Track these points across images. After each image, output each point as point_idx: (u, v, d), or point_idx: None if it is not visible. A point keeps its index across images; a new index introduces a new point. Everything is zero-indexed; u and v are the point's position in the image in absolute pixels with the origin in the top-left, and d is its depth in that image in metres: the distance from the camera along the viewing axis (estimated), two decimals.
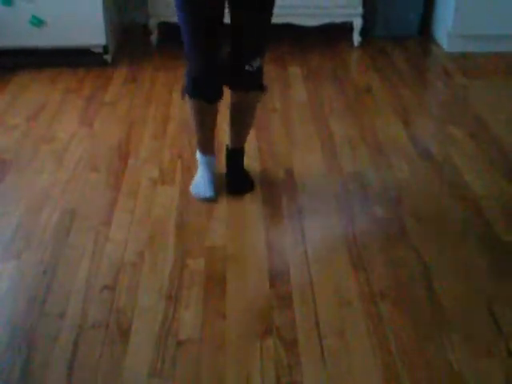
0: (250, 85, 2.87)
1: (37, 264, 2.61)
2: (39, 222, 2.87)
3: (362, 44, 4.84)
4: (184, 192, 3.07)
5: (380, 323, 2.31)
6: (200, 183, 3.07)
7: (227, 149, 3.18)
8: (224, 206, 2.97)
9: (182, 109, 3.87)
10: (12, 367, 2.15)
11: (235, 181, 3.12)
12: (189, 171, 3.23)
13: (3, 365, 2.16)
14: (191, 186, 3.09)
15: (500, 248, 2.71)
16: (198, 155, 3.13)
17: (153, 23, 4.78)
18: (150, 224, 2.86)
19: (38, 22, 4.24)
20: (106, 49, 4.42)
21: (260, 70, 2.82)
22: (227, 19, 2.72)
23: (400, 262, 2.62)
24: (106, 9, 4.31)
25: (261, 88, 2.90)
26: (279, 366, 2.15)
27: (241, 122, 3.07)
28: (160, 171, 3.23)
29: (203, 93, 2.83)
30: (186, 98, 2.91)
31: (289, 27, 4.70)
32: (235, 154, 3.16)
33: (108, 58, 4.46)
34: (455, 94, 4.14)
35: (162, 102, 3.99)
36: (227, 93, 2.92)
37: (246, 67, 2.77)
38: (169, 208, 2.96)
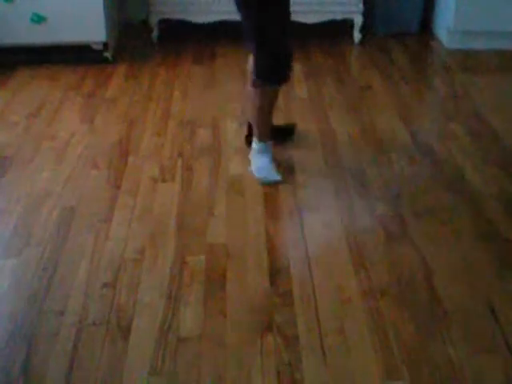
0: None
1: (37, 261, 2.61)
2: (39, 219, 2.87)
3: (362, 41, 4.84)
4: (184, 189, 3.06)
5: (380, 320, 2.31)
6: (267, 168, 3.14)
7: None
8: (224, 203, 2.97)
9: (183, 105, 3.88)
10: (12, 364, 2.15)
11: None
12: (189, 169, 3.23)
13: (4, 362, 2.16)
14: (255, 171, 3.15)
15: (500, 245, 2.71)
16: (261, 144, 3.16)
17: (153, 20, 4.78)
18: (150, 221, 2.86)
19: (38, 19, 4.24)
20: (106, 46, 4.42)
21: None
22: None
23: (400, 259, 2.62)
24: (106, 6, 4.31)
25: None
26: (280, 363, 2.15)
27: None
28: (160, 168, 3.23)
29: (286, 75, 2.98)
30: (261, 87, 2.98)
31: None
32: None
33: (108, 55, 4.46)
34: (455, 90, 4.13)
35: (163, 98, 3.99)
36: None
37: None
38: (169, 205, 2.96)
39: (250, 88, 3.05)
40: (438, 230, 2.80)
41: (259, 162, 3.17)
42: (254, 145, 3.19)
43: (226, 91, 3.98)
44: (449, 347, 2.20)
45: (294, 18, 4.60)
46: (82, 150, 3.41)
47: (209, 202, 2.97)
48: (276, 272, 2.55)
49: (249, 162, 3.21)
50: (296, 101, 3.95)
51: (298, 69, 4.37)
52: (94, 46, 4.41)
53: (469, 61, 4.50)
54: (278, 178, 3.12)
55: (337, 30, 4.99)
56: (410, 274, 2.54)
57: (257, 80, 2.95)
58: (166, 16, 4.75)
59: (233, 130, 3.59)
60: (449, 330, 2.27)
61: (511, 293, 2.45)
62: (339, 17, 4.78)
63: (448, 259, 2.63)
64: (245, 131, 3.40)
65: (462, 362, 2.14)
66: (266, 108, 3.08)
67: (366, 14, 4.80)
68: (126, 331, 2.28)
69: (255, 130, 3.17)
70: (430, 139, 3.52)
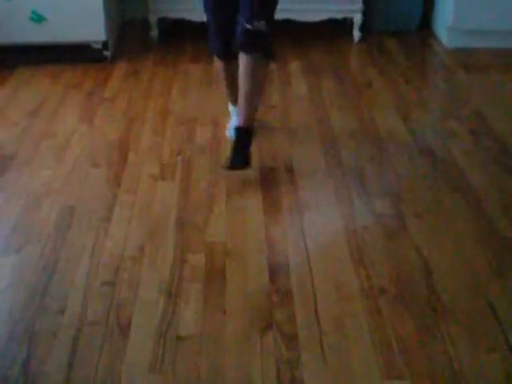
0: (252, 46, 2.99)
1: (37, 259, 2.61)
2: (39, 217, 2.87)
3: (361, 39, 4.84)
4: (184, 187, 3.06)
5: (380, 318, 2.31)
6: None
7: (236, 128, 3.14)
8: (224, 201, 2.97)
9: (182, 104, 3.89)
10: (12, 363, 2.15)
11: (237, 157, 3.08)
12: (189, 166, 3.23)
13: (3, 360, 2.16)
14: (229, 132, 3.39)
15: (500, 243, 2.71)
16: (231, 107, 3.48)
17: (152, 19, 4.77)
18: (149, 220, 2.86)
19: (38, 18, 4.24)
20: (105, 44, 4.41)
21: (264, 34, 2.96)
22: None
23: (400, 257, 2.62)
24: (105, 4, 4.31)
25: (265, 53, 3.05)
26: (279, 362, 2.15)
27: (246, 91, 3.07)
28: (160, 167, 3.23)
29: (217, 50, 3.25)
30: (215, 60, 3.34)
31: (289, 23, 4.69)
32: (243, 133, 3.11)
33: (108, 53, 4.46)
34: (455, 88, 4.14)
35: (162, 97, 3.99)
36: None
37: (248, 26, 2.93)
38: (169, 203, 2.96)
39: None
40: (438, 228, 2.80)
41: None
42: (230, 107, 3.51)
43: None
44: (449, 345, 2.20)
45: (294, 16, 4.65)
46: (81, 148, 3.41)
47: (208, 200, 2.98)
48: (276, 270, 2.55)
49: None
50: (295, 99, 3.95)
51: (297, 67, 4.38)
52: (94, 45, 4.41)
53: (468, 59, 4.50)
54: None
55: (336, 29, 4.99)
56: (409, 273, 2.54)
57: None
58: (166, 15, 4.75)
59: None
60: (448, 328, 2.27)
61: (511, 291, 2.45)
62: (339, 15, 4.78)
63: (447, 257, 2.63)
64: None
65: (462, 360, 2.14)
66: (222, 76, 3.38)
67: (366, 13, 4.80)
68: (125, 329, 2.28)
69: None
70: (429, 137, 3.52)
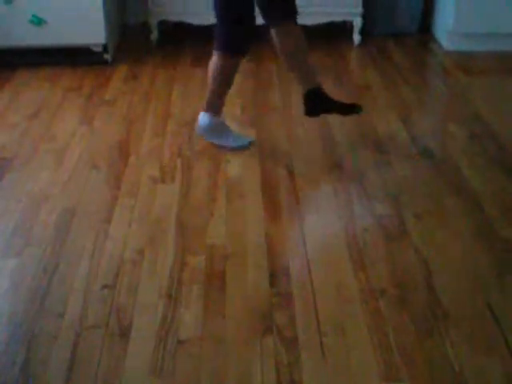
0: (296, 12, 3.21)
1: (37, 262, 2.61)
2: (39, 220, 2.87)
3: (362, 43, 4.84)
4: (184, 190, 3.07)
5: (380, 320, 2.31)
6: (235, 136, 3.41)
7: (319, 88, 3.40)
8: (223, 204, 2.97)
9: (182, 106, 3.88)
10: (12, 366, 2.15)
11: (345, 105, 3.46)
12: (189, 169, 3.23)
13: (3, 363, 2.16)
14: (232, 144, 3.38)
15: (500, 245, 2.71)
16: (216, 119, 3.35)
17: (152, 21, 4.78)
18: (150, 222, 2.86)
19: (38, 21, 4.24)
20: (105, 47, 4.42)
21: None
22: None
23: (400, 259, 2.62)
24: (105, 7, 4.31)
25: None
26: (279, 364, 2.14)
27: (305, 53, 3.34)
28: (160, 169, 3.23)
29: (248, 42, 3.22)
30: (226, 58, 3.18)
31: None
32: (320, 91, 3.40)
33: (108, 56, 4.46)
34: (455, 91, 4.14)
35: (162, 100, 3.99)
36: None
37: None
38: (169, 206, 2.96)
39: (214, 58, 3.21)
40: (438, 231, 2.80)
41: (225, 136, 3.39)
42: (206, 118, 3.35)
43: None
44: (448, 347, 2.20)
45: None
46: (81, 151, 3.42)
47: (208, 203, 2.98)
48: (276, 273, 2.55)
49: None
50: (296, 101, 3.94)
51: None
52: (94, 48, 4.41)
53: (468, 62, 4.50)
54: (250, 139, 3.45)
55: (336, 32, 4.99)
56: (409, 274, 2.54)
57: (217, 51, 3.19)
58: (166, 18, 4.75)
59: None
60: (448, 331, 2.27)
61: (510, 293, 2.45)
62: (339, 19, 4.79)
63: (447, 259, 2.63)
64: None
65: (462, 363, 2.14)
66: (224, 78, 3.27)
67: (366, 16, 4.80)
68: (125, 332, 2.28)
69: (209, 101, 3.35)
70: (429, 140, 3.52)
